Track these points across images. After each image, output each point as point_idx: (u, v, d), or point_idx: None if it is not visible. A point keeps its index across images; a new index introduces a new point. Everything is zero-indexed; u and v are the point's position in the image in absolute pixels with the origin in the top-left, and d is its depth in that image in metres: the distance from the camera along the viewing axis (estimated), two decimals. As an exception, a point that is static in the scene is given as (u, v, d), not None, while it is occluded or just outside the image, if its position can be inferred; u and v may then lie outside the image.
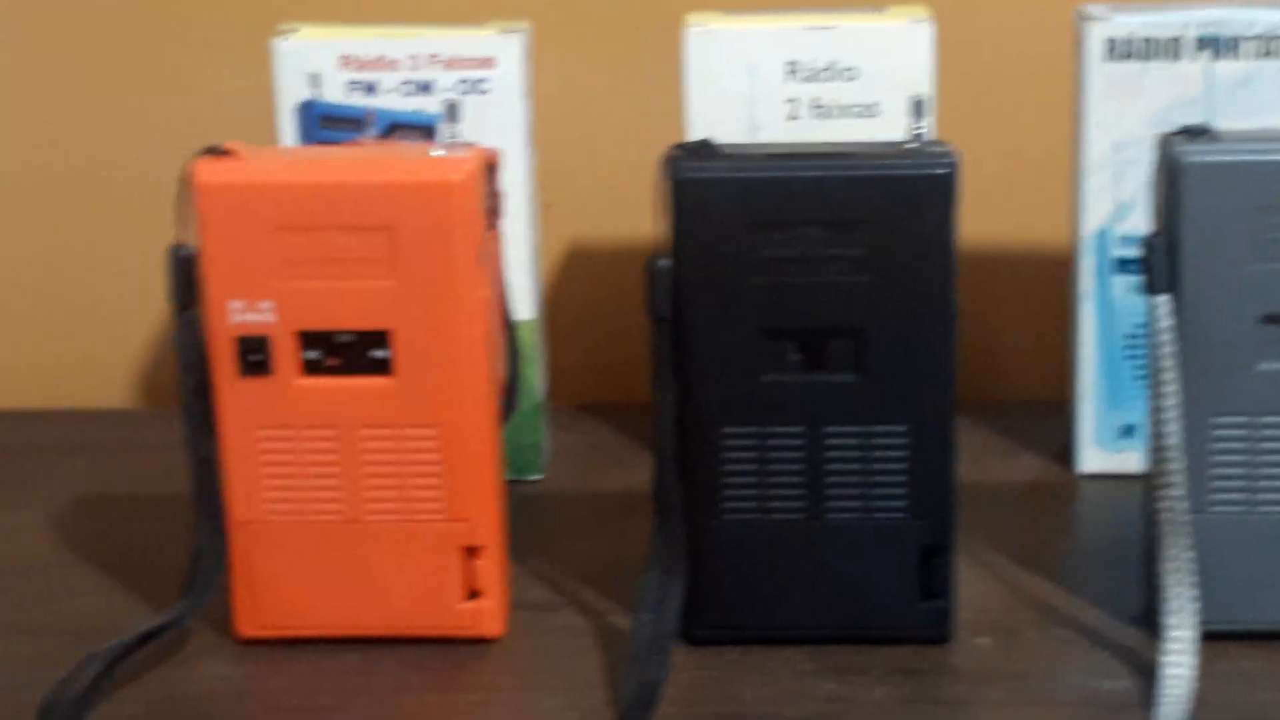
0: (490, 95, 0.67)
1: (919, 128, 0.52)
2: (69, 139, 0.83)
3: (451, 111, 0.57)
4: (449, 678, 0.54)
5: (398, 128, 0.68)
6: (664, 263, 0.52)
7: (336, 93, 0.67)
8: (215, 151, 0.53)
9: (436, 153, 0.53)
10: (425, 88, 0.67)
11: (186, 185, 0.53)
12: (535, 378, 0.71)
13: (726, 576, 0.54)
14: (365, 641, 0.56)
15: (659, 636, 0.52)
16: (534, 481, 0.71)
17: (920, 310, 0.52)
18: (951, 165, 0.51)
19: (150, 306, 0.85)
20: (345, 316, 0.53)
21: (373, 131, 0.67)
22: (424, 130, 0.67)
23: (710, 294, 0.52)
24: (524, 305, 0.69)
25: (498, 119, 0.67)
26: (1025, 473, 0.71)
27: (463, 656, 0.55)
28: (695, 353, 0.53)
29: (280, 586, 0.56)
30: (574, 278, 0.83)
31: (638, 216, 0.83)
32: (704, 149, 0.52)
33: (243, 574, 0.56)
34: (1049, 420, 0.74)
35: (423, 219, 0.52)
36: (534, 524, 0.66)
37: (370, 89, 0.67)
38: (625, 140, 0.81)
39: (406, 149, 0.54)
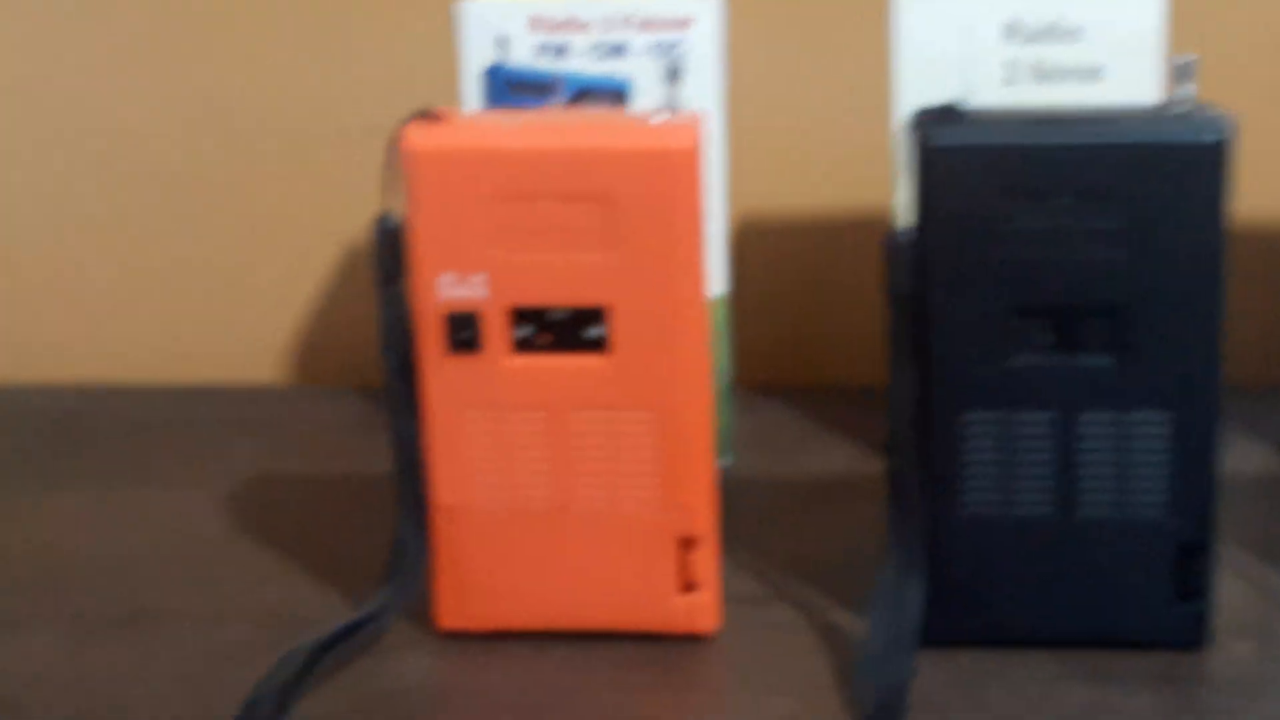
0: (685, 59, 0.64)
1: (1184, 92, 0.49)
2: (240, 107, 0.81)
3: (673, 73, 0.54)
4: (668, 677, 0.51)
5: (587, 93, 0.65)
6: (907, 235, 0.49)
7: (525, 56, 0.64)
8: (426, 115, 0.50)
9: (658, 118, 0.50)
10: (617, 51, 0.64)
11: (395, 151, 0.50)
12: (724, 358, 0.68)
13: (965, 574, 0.51)
14: (570, 636, 0.54)
15: (899, 637, 0.49)
16: (722, 468, 0.68)
17: (1186, 288, 0.48)
18: (1225, 132, 0.48)
19: (307, 281, 0.83)
20: (560, 292, 0.51)
21: (561, 97, 0.64)
22: (615, 95, 0.65)
23: (957, 269, 0.49)
24: (715, 281, 0.66)
25: (692, 83, 0.65)
26: (1250, 462, 0.67)
27: (678, 654, 0.53)
28: (938, 332, 0.49)
29: (484, 577, 0.53)
30: (758, 252, 0.80)
31: (832, 187, 0.80)
32: (951, 114, 0.49)
33: (445, 563, 0.53)
34: (1265, 406, 0.71)
35: (646, 189, 0.49)
36: (728, 512, 0.63)
37: (560, 52, 0.64)
38: (824, 106, 0.77)
39: (624, 115, 0.51)
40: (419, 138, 0.50)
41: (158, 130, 0.81)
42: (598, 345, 0.51)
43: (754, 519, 0.63)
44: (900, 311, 0.49)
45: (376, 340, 0.52)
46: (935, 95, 0.63)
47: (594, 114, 0.55)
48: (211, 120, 0.81)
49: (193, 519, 0.64)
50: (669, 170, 0.49)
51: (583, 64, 0.64)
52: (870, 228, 0.78)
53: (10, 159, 0.82)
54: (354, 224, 0.82)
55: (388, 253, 0.51)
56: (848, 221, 0.79)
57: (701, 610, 0.53)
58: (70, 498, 0.67)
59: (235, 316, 0.83)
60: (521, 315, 0.51)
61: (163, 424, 0.74)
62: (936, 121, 0.49)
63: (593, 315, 0.51)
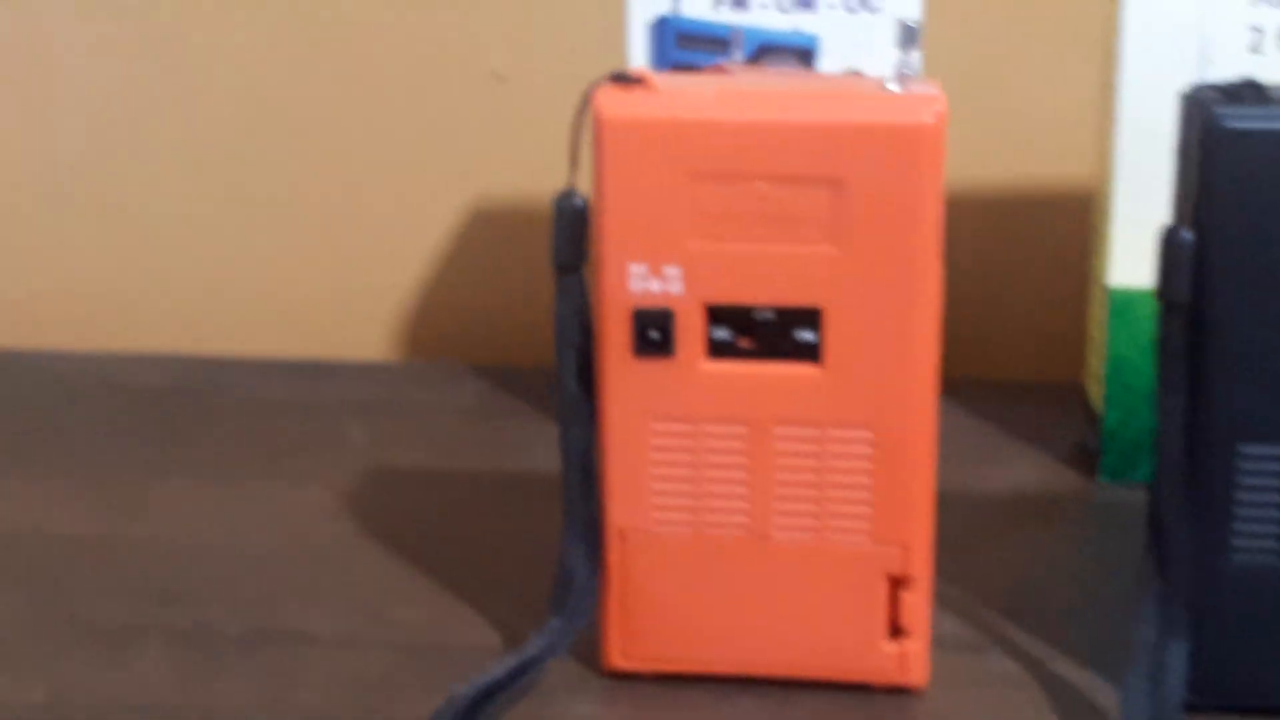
0: (882, 13, 0.58)
1: None
2: (361, 50, 0.75)
3: (909, 35, 0.48)
4: (879, 740, 0.45)
5: (769, 50, 0.58)
6: (1186, 235, 0.42)
7: (700, 7, 0.58)
8: (622, 79, 0.44)
9: (891, 87, 0.44)
10: (806, 3, 0.58)
11: (583, 120, 0.44)
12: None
13: (1232, 631, 0.44)
14: (755, 683, 0.48)
15: (1163, 708, 0.43)
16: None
17: None
18: None
19: (421, 247, 0.77)
20: (768, 289, 0.44)
21: (739, 54, 0.58)
22: (801, 54, 0.58)
23: (1245, 276, 0.42)
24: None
25: (887, 41, 0.58)
26: None
27: (885, 711, 0.47)
28: (1216, 349, 0.43)
29: (662, 611, 0.47)
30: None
31: (1021, 163, 0.73)
32: (1249, 91, 0.42)
33: (618, 594, 0.47)
34: None
35: (883, 171, 0.43)
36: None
37: (739, 3, 0.58)
38: (1023, 69, 0.70)
39: (852, 81, 0.45)
40: (614, 105, 0.43)
41: (268, 84, 0.75)
42: (809, 352, 0.45)
43: (948, 542, 0.57)
44: (1174, 322, 0.43)
45: (553, 337, 0.46)
46: (1166, 63, 0.57)
47: (814, 79, 0.48)
48: (327, 66, 0.75)
49: (310, 518, 0.59)
50: (913, 150, 0.42)
51: (765, 17, 0.58)
52: (1059, 209, 0.71)
53: (125, 117, 0.76)
54: (472, 185, 0.76)
55: (569, 236, 0.45)
56: (1035, 201, 0.72)
57: (913, 660, 0.47)
58: (177, 487, 0.61)
59: (345, 285, 0.77)
60: (720, 315, 0.45)
61: (272, 403, 0.69)
62: (1227, 99, 0.42)
63: (804, 317, 0.45)
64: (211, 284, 0.78)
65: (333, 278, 0.77)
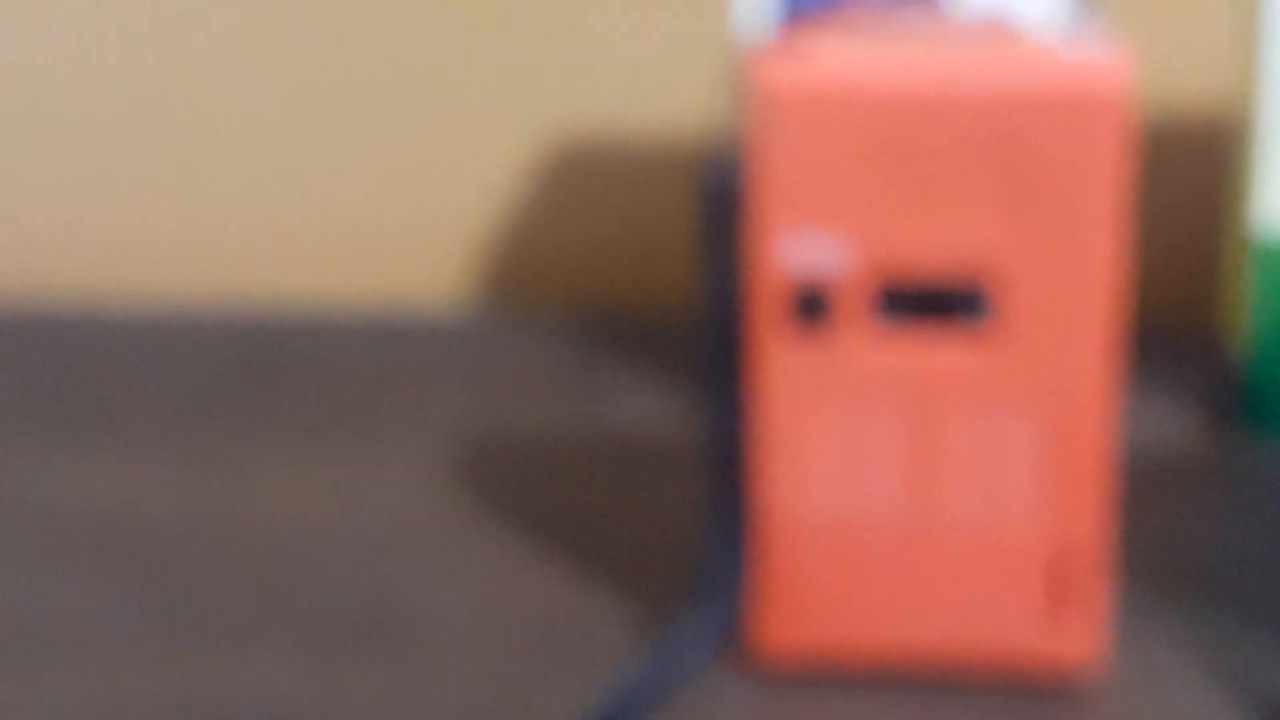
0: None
1: None
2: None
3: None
4: (1049, 735, 0.46)
5: (897, -12, 0.57)
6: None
7: (826, -57, 0.57)
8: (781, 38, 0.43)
9: (1063, 48, 0.43)
10: (938, -63, 0.57)
11: (740, 86, 0.43)
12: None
13: None
14: (916, 678, 0.48)
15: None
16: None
17: None
18: None
19: (493, 187, 0.76)
20: (935, 265, 0.44)
21: (866, -7, 0.57)
22: (932, -7, 0.57)
23: None
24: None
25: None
26: None
27: (1051, 707, 0.47)
28: None
29: (812, 601, 0.47)
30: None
31: (1157, 84, 0.72)
32: None
33: (766, 583, 0.47)
34: None
35: (1058, 144, 0.42)
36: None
37: (867, -62, 0.57)
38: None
39: (1018, 39, 0.44)
40: (778, 74, 0.43)
41: (339, 8, 0.74)
42: (978, 331, 0.44)
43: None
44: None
45: (701, 315, 0.46)
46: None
47: (974, 34, 0.47)
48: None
49: (408, 489, 0.59)
50: (1090, 122, 0.42)
51: (893, -47, 0.57)
52: (1183, 140, 0.70)
53: (180, 45, 0.75)
54: (552, 116, 0.75)
55: (723, 210, 0.45)
56: (1155, 129, 0.71)
57: (1080, 648, 0.47)
58: (262, 459, 0.61)
59: (417, 222, 0.77)
60: (884, 290, 0.45)
61: (349, 363, 0.68)
62: None
63: (974, 294, 0.44)
64: (277, 222, 0.78)
65: (405, 215, 0.77)
